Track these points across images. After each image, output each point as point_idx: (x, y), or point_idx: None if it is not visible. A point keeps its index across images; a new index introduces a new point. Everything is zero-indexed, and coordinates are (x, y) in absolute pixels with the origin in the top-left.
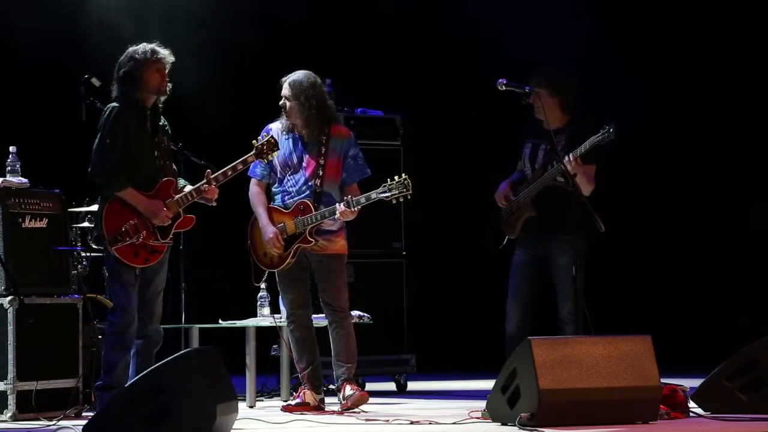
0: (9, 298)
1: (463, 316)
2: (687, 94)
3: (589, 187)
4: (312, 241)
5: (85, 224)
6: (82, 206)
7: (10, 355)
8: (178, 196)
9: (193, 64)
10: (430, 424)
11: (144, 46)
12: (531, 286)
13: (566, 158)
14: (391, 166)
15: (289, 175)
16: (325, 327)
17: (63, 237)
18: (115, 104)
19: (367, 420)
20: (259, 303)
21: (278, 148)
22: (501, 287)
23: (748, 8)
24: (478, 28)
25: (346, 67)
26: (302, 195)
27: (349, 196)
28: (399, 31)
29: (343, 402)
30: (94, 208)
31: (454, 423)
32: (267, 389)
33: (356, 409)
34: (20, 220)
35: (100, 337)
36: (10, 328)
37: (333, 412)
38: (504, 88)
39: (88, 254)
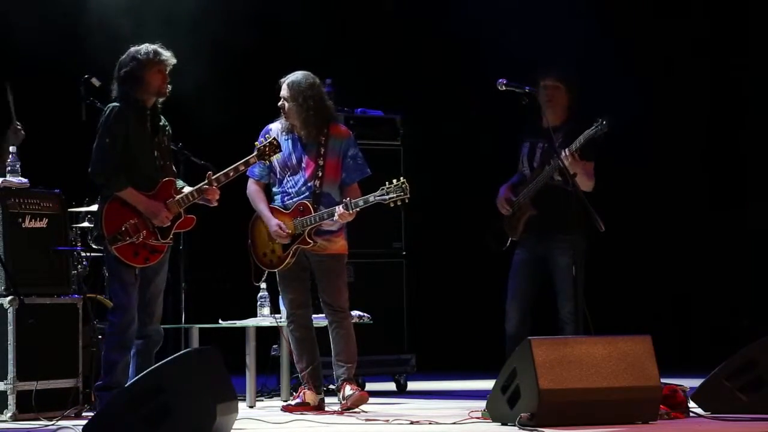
0: (9, 298)
1: (463, 316)
2: (687, 93)
3: (589, 183)
4: (311, 243)
5: (85, 224)
6: (82, 206)
7: (10, 355)
8: (179, 196)
9: (192, 64)
10: (430, 424)
11: (146, 47)
12: (531, 286)
13: (563, 154)
14: (391, 166)
15: (289, 176)
16: (325, 327)
17: (63, 237)
18: (114, 104)
19: (367, 420)
20: (259, 303)
21: (280, 150)
22: (501, 287)
23: (748, 8)
24: (478, 28)
25: (346, 67)
26: (302, 196)
27: (348, 199)
28: (399, 31)
29: (342, 402)
30: (94, 208)
31: (454, 423)
32: (267, 389)
33: (356, 409)
34: (20, 220)
35: (100, 337)
36: (10, 328)
37: (333, 412)
38: (504, 88)
39: (88, 254)
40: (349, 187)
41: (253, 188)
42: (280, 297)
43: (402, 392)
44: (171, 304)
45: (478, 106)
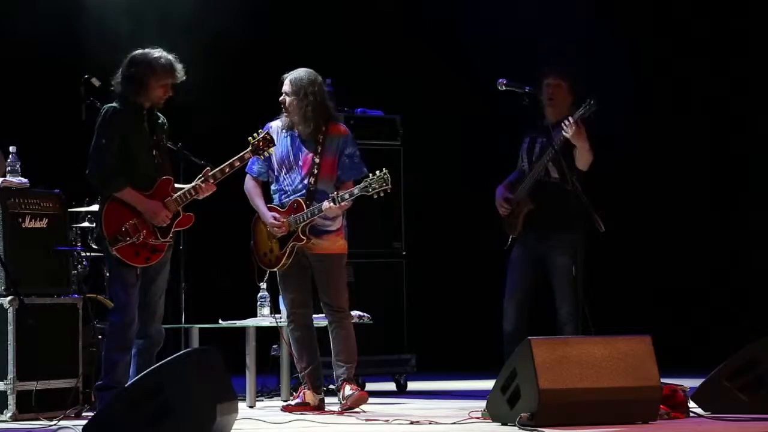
0: (9, 298)
1: (463, 316)
2: (686, 93)
3: (589, 155)
4: (304, 239)
5: (85, 224)
6: (82, 206)
7: (10, 355)
8: (176, 194)
9: (190, 64)
10: (430, 424)
11: (164, 56)
12: (529, 284)
13: (567, 121)
14: (391, 166)
15: (286, 173)
16: (326, 327)
17: (63, 237)
18: (111, 105)
19: (367, 420)
20: (259, 303)
21: (274, 145)
22: (501, 287)
23: (748, 8)
24: (479, 29)
25: (346, 67)
26: (298, 194)
27: (335, 192)
28: (399, 31)
29: (342, 402)
30: (94, 208)
31: (454, 423)
32: (267, 389)
33: (356, 409)
34: (20, 220)
35: (100, 337)
36: (10, 328)
37: (333, 412)
38: (504, 88)
39: (88, 254)
40: (345, 185)
41: (249, 184)
42: (281, 297)
43: (402, 392)
44: (171, 304)
45: (478, 107)
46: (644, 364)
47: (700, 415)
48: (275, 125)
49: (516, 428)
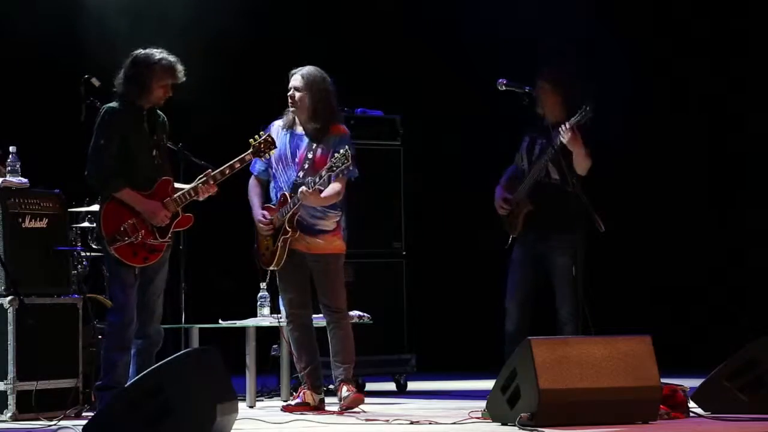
0: (9, 298)
1: (463, 316)
2: (685, 93)
3: (586, 161)
4: (290, 230)
5: (85, 224)
6: (82, 206)
7: (10, 355)
8: (176, 195)
9: (189, 63)
10: (430, 424)
11: (166, 57)
12: (530, 284)
13: (562, 127)
14: (391, 166)
15: (282, 170)
16: (325, 327)
17: (63, 237)
18: (110, 105)
19: (367, 420)
20: (259, 303)
21: (275, 147)
22: (501, 287)
23: (748, 8)
24: (479, 28)
25: (346, 67)
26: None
27: (308, 179)
28: (399, 31)
29: (341, 403)
30: (94, 208)
31: (454, 423)
32: (267, 389)
33: (356, 409)
34: (20, 220)
35: (100, 337)
36: (10, 328)
37: (333, 412)
38: (504, 88)
39: (88, 254)
40: (334, 183)
41: (251, 183)
42: (280, 297)
43: (402, 392)
44: (171, 304)
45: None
46: (644, 364)
47: (700, 415)
48: (276, 124)
49: (516, 428)
